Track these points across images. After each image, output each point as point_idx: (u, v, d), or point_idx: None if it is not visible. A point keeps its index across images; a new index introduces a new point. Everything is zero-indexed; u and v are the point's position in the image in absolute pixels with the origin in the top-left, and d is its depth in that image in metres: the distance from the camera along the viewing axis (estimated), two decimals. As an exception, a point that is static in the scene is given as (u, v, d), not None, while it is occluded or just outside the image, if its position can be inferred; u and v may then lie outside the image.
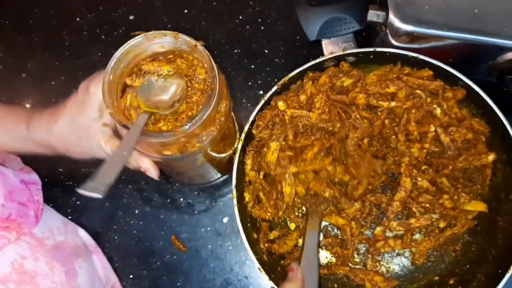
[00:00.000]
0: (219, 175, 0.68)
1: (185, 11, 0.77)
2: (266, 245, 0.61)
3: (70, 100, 0.54)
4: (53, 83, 0.76)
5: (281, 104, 0.60)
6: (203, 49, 0.50)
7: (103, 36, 0.77)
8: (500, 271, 0.53)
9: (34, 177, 0.63)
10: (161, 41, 0.52)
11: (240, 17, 0.76)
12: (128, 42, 0.50)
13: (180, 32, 0.76)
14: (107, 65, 0.49)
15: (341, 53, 0.60)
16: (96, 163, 0.68)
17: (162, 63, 0.52)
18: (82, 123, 0.53)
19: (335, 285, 0.62)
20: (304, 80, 0.62)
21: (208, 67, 0.50)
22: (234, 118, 0.62)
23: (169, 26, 0.76)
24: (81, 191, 0.43)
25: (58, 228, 0.60)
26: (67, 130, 0.53)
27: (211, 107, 0.47)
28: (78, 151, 0.56)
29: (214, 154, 0.58)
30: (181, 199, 0.68)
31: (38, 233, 0.56)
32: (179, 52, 0.52)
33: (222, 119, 0.51)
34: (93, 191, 0.43)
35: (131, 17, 0.78)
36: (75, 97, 0.54)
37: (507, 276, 0.52)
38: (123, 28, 0.77)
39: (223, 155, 0.61)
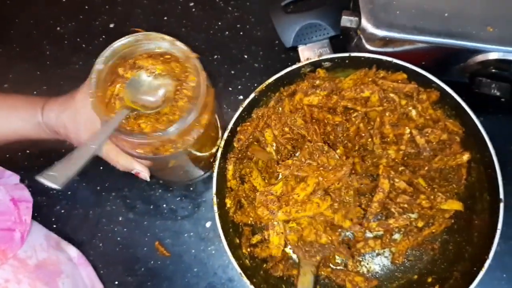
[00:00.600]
0: (201, 172, 0.69)
1: (165, 18, 0.78)
2: (249, 249, 0.62)
3: (81, 90, 0.56)
4: (35, 93, 0.76)
5: (268, 135, 0.63)
6: (197, 63, 0.51)
7: (83, 45, 0.78)
8: (475, 269, 0.54)
9: (26, 194, 0.63)
10: (158, 43, 0.52)
11: (219, 23, 0.77)
12: (127, 36, 0.51)
13: (160, 39, 0.77)
14: (101, 54, 0.50)
15: (317, 59, 0.61)
16: (82, 169, 0.69)
17: (157, 61, 0.52)
18: (83, 116, 0.54)
19: (317, 287, 0.63)
20: (281, 95, 0.64)
21: (196, 80, 0.50)
22: (219, 122, 0.62)
23: (149, 33, 0.77)
24: (40, 178, 0.41)
25: (40, 245, 0.61)
26: (71, 120, 0.55)
27: (190, 120, 0.48)
28: (75, 139, 0.57)
29: (192, 156, 0.58)
30: (164, 205, 0.69)
31: (21, 253, 0.57)
32: (175, 56, 0.53)
33: (201, 130, 0.51)
34: (51, 180, 0.41)
35: (111, 25, 0.78)
36: (84, 85, 0.56)
37: (481, 274, 0.53)
38: (103, 37, 0.78)
39: (201, 154, 0.61)
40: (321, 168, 0.58)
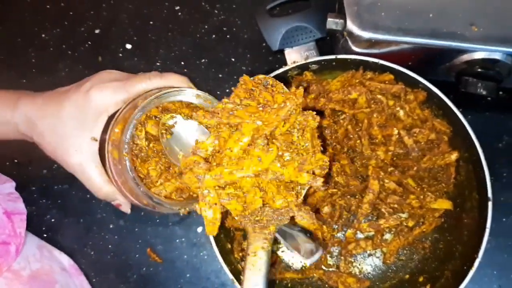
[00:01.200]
0: None
1: (150, 22, 0.77)
2: (241, 254, 0.62)
3: (69, 97, 0.52)
4: (21, 101, 0.75)
5: None
6: None
7: (69, 52, 0.77)
8: (465, 267, 0.55)
9: (20, 206, 0.63)
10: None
11: (206, 27, 0.76)
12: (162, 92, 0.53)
13: (147, 44, 0.76)
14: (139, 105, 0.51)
15: (303, 62, 0.61)
16: (69, 179, 0.69)
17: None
18: (68, 128, 0.51)
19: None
20: None
21: None
22: None
23: (135, 38, 0.76)
24: None
25: (34, 255, 0.60)
26: (51, 132, 0.52)
27: None
28: (51, 152, 0.54)
29: None
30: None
31: (15, 265, 0.57)
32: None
33: None
34: None
35: (97, 31, 0.77)
36: (74, 94, 0.52)
37: (471, 272, 0.54)
38: (89, 43, 0.77)
39: None
40: (261, 109, 0.45)
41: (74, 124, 0.51)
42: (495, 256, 0.64)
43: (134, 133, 0.51)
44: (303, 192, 0.48)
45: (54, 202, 0.70)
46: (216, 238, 0.57)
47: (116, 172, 0.51)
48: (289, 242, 0.53)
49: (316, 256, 0.50)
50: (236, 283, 0.55)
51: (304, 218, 0.46)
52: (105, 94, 0.52)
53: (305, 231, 0.54)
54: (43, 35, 0.78)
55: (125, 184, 0.51)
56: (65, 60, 0.77)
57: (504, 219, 0.65)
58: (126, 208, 0.58)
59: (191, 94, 0.55)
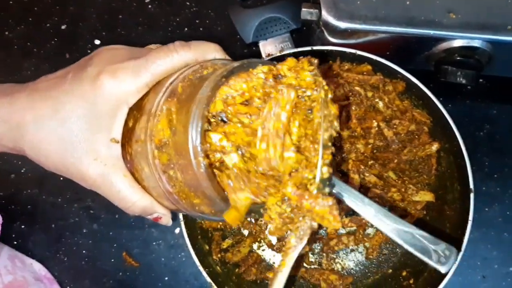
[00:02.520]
0: None
1: (119, 16, 0.74)
2: (219, 255, 0.60)
3: (68, 91, 0.38)
4: (-15, 102, 0.72)
5: None
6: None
7: (35, 49, 0.73)
8: (448, 261, 0.54)
9: None
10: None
11: (177, 20, 0.74)
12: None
13: (116, 39, 0.73)
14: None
15: (278, 54, 0.59)
16: (39, 183, 0.66)
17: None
18: (76, 131, 0.38)
19: (292, 288, 0.62)
20: None
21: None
22: None
23: (103, 33, 0.73)
24: None
25: (5, 267, 0.58)
26: (50, 136, 0.38)
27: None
28: (56, 165, 0.39)
29: None
30: (130, 214, 0.66)
31: None
32: None
33: None
34: None
35: (63, 27, 0.74)
36: (76, 84, 0.38)
37: (455, 266, 0.52)
38: (55, 39, 0.74)
39: None
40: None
41: (84, 125, 0.38)
42: (478, 247, 0.63)
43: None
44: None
45: (24, 208, 0.67)
46: (192, 239, 0.55)
47: (168, 182, 0.38)
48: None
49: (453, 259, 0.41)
50: (215, 286, 0.53)
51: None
52: (122, 79, 0.38)
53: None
54: (6, 33, 0.74)
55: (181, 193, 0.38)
56: (31, 59, 0.73)
57: (486, 209, 0.64)
58: (167, 220, 0.44)
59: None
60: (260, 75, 0.38)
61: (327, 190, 0.36)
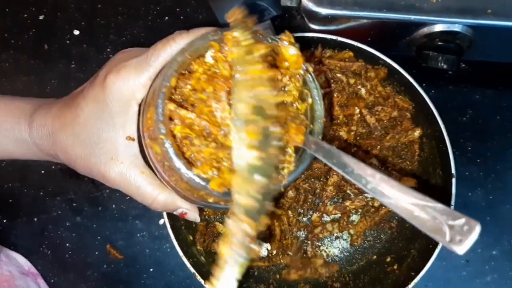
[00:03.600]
0: None
1: (98, 6, 0.73)
2: (204, 245, 0.60)
3: (85, 95, 0.40)
4: (-37, 96, 0.70)
5: None
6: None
7: (12, 41, 0.72)
8: (430, 246, 0.54)
9: None
10: None
11: (158, 8, 0.72)
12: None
13: (96, 29, 0.72)
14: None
15: (259, 41, 0.58)
16: (20, 176, 0.65)
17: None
18: (93, 133, 0.39)
19: (277, 276, 0.61)
20: None
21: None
22: None
23: (82, 23, 0.72)
24: None
25: None
26: (74, 140, 0.40)
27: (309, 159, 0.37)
28: (83, 168, 0.41)
29: None
30: (113, 206, 0.66)
31: None
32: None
33: None
34: None
35: (41, 17, 0.73)
36: (90, 89, 0.40)
37: (437, 251, 0.53)
38: (33, 30, 0.72)
39: None
40: None
41: (100, 126, 0.39)
42: (461, 231, 0.64)
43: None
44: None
45: (5, 201, 0.66)
46: (176, 230, 0.55)
47: (163, 170, 0.38)
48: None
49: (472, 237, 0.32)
50: (198, 277, 0.53)
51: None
52: (125, 76, 0.39)
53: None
54: (-17, 24, 0.73)
55: (180, 182, 0.37)
56: (9, 50, 0.72)
57: (469, 194, 0.65)
58: (194, 216, 0.44)
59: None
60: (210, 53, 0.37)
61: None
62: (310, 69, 0.39)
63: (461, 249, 0.33)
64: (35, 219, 0.66)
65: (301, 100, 0.38)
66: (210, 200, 0.37)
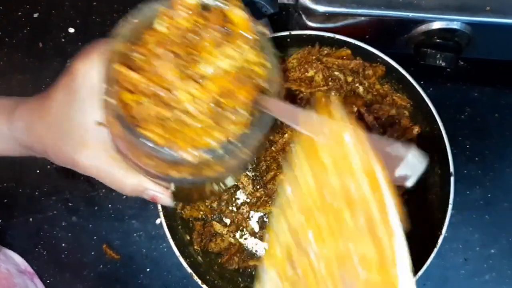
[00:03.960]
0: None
1: (94, 3, 0.72)
2: (201, 245, 0.59)
3: (56, 86, 0.39)
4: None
5: None
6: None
7: (6, 39, 0.71)
8: (429, 244, 0.54)
9: None
10: None
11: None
12: None
13: (91, 27, 0.72)
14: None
15: (256, 39, 0.58)
16: (15, 176, 0.64)
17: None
18: (64, 122, 0.38)
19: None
20: None
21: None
22: None
23: (77, 21, 0.71)
24: None
25: None
26: (47, 130, 0.39)
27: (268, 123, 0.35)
28: (56, 156, 0.40)
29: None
30: (110, 205, 0.65)
31: None
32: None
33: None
34: None
35: (36, 15, 0.72)
36: (60, 79, 0.39)
37: (435, 249, 0.53)
38: (28, 28, 0.72)
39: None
40: None
41: (70, 113, 0.38)
42: (460, 229, 0.63)
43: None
44: None
45: (0, 201, 0.66)
46: (173, 230, 0.55)
47: (126, 148, 0.36)
48: None
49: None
50: (195, 277, 0.53)
51: None
52: (90, 61, 0.37)
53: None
54: (-24, 22, 0.72)
55: (143, 157, 0.35)
56: (3, 48, 0.71)
57: (468, 192, 0.65)
58: (166, 199, 0.41)
59: None
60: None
61: None
62: (265, 31, 0.38)
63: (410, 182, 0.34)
64: (31, 219, 0.65)
65: (260, 64, 0.37)
66: (174, 173, 0.35)
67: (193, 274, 0.53)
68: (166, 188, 0.41)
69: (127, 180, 0.40)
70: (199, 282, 0.53)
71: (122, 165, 0.39)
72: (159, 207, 0.54)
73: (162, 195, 0.41)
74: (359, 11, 0.55)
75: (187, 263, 0.53)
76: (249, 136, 0.34)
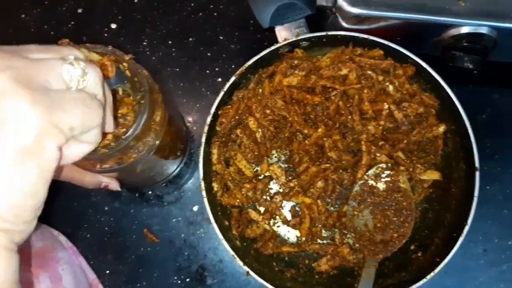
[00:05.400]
0: (174, 167, 0.68)
1: (135, 1, 0.76)
2: (238, 230, 0.63)
3: None
4: (4, 85, 0.73)
5: (252, 123, 0.63)
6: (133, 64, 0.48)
7: (51, 33, 0.75)
8: (454, 234, 0.57)
9: None
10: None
11: (192, 4, 0.75)
12: None
13: (132, 23, 0.75)
14: None
15: (295, 39, 0.61)
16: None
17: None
18: None
19: (306, 261, 0.65)
20: (260, 77, 0.64)
21: (137, 81, 0.48)
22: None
23: (119, 17, 0.75)
24: None
25: (36, 235, 0.60)
26: None
27: (140, 124, 0.47)
28: None
29: (159, 155, 0.58)
30: (150, 192, 0.69)
31: None
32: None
33: (158, 128, 0.51)
34: None
35: (79, 11, 0.76)
36: None
37: (461, 238, 0.56)
38: (72, 23, 0.75)
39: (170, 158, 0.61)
40: None
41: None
42: (479, 222, 0.67)
43: None
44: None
45: (46, 186, 0.69)
46: (214, 216, 0.58)
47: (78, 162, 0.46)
48: None
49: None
50: (238, 260, 0.56)
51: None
52: None
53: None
54: (22, 16, 0.76)
55: (84, 163, 0.51)
56: (48, 42, 0.74)
57: (488, 187, 0.68)
58: (115, 186, 0.57)
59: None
60: None
61: None
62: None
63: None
64: (75, 203, 0.69)
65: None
66: (105, 166, 0.50)
67: (235, 257, 0.57)
68: (114, 178, 0.57)
69: (86, 178, 0.54)
70: (241, 264, 0.57)
71: (78, 168, 0.52)
72: (204, 194, 0.58)
73: (111, 183, 0.57)
74: (394, 14, 0.58)
75: (229, 246, 0.57)
76: (129, 135, 0.47)
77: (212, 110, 0.60)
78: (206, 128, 0.60)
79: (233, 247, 0.58)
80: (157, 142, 0.51)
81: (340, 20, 0.62)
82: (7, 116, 0.29)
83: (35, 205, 0.32)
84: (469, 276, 0.66)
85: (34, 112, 0.30)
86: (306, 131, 0.63)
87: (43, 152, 0.31)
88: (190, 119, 0.72)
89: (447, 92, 0.60)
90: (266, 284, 0.57)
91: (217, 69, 0.73)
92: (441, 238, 0.61)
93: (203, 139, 0.60)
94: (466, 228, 0.56)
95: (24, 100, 0.30)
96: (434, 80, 0.60)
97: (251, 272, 0.57)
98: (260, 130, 0.64)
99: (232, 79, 0.61)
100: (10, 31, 0.75)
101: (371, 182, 0.63)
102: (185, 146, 0.69)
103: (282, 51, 0.63)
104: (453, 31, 0.60)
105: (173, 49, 0.74)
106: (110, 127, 0.42)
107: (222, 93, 0.61)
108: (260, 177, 0.66)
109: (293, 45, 0.63)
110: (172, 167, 0.67)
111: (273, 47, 0.61)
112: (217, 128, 0.62)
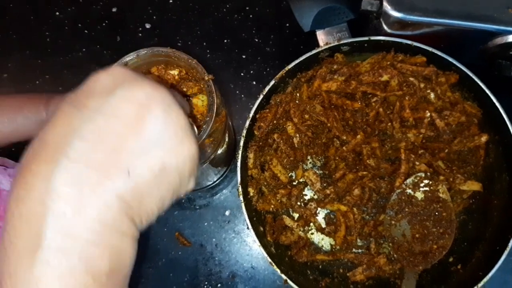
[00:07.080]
0: (218, 176, 0.68)
1: (170, 1, 0.75)
2: (274, 236, 0.62)
3: None
4: (37, 82, 0.73)
5: (290, 128, 0.62)
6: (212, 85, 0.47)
7: (86, 31, 0.75)
8: (498, 248, 0.56)
9: None
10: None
11: (228, 6, 0.75)
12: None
13: (167, 24, 0.74)
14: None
15: (337, 43, 0.60)
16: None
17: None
18: None
19: (341, 270, 0.64)
20: (298, 81, 0.63)
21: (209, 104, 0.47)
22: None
23: (154, 17, 0.74)
24: None
25: None
26: None
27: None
28: None
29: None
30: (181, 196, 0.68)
31: None
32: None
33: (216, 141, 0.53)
34: None
35: (114, 9, 0.75)
36: None
37: (505, 253, 0.55)
38: (106, 21, 0.75)
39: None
40: None
41: None
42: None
43: None
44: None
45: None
46: (250, 221, 0.57)
47: None
48: None
49: None
50: (275, 267, 0.55)
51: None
52: None
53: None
54: (57, 13, 0.76)
55: None
56: (82, 40, 0.74)
57: (528, 200, 0.66)
58: None
59: None
60: None
61: None
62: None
63: None
64: (105, 204, 0.68)
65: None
66: None
67: (273, 264, 0.55)
68: None
69: None
70: (278, 271, 0.55)
71: None
72: (241, 198, 0.57)
73: None
74: (441, 21, 0.57)
75: (266, 252, 0.56)
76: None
77: (251, 113, 0.59)
78: (244, 132, 0.59)
79: (269, 254, 0.57)
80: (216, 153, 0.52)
81: (384, 25, 0.60)
82: None
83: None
84: (508, 290, 0.65)
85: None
86: (344, 137, 0.62)
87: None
88: (223, 122, 0.71)
89: (491, 101, 0.58)
90: (303, 293, 0.56)
91: (251, 72, 0.72)
92: (482, 251, 0.59)
93: (241, 143, 0.59)
94: (511, 242, 0.55)
95: None
96: (478, 88, 0.59)
97: (289, 281, 0.55)
98: (297, 135, 0.63)
99: (272, 82, 0.60)
100: (44, 28, 0.75)
101: (409, 191, 0.61)
102: (232, 156, 0.68)
103: (322, 56, 0.62)
104: (500, 39, 0.58)
105: (208, 51, 0.73)
106: None
107: (261, 97, 0.60)
108: (294, 183, 0.65)
109: (333, 50, 0.62)
110: (216, 176, 0.67)
111: (314, 51, 0.60)
112: (255, 132, 0.61)
